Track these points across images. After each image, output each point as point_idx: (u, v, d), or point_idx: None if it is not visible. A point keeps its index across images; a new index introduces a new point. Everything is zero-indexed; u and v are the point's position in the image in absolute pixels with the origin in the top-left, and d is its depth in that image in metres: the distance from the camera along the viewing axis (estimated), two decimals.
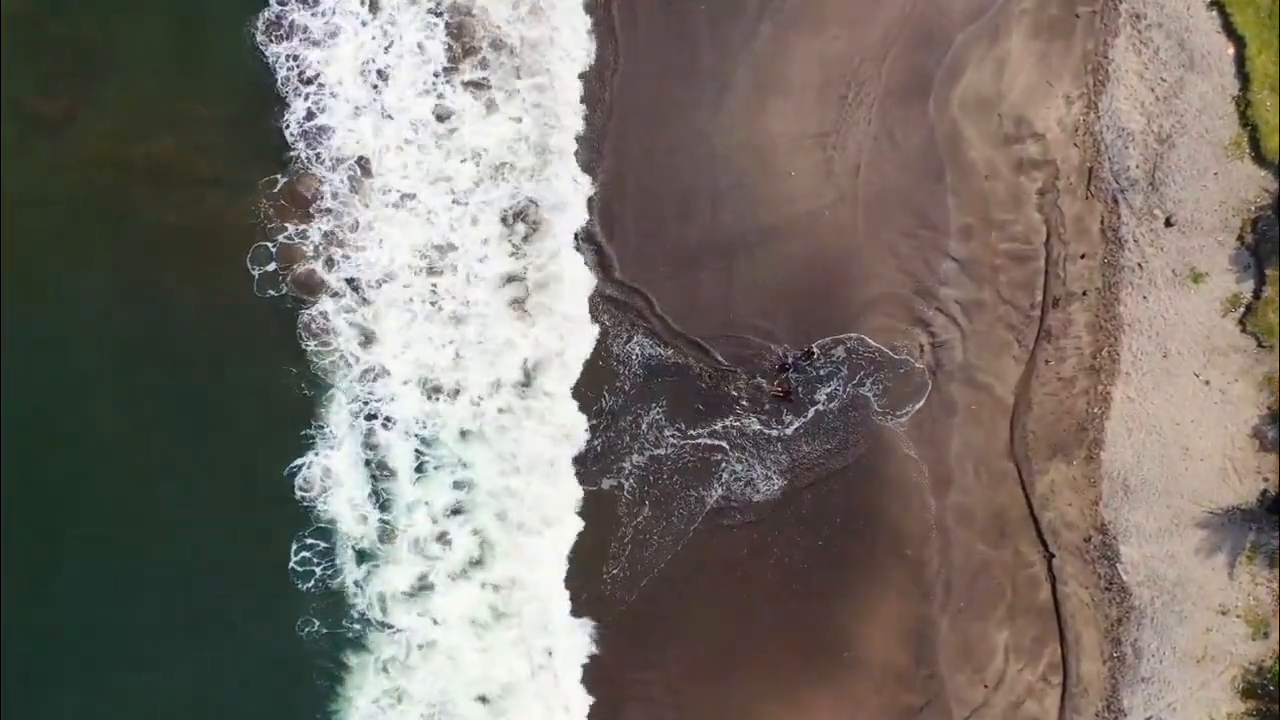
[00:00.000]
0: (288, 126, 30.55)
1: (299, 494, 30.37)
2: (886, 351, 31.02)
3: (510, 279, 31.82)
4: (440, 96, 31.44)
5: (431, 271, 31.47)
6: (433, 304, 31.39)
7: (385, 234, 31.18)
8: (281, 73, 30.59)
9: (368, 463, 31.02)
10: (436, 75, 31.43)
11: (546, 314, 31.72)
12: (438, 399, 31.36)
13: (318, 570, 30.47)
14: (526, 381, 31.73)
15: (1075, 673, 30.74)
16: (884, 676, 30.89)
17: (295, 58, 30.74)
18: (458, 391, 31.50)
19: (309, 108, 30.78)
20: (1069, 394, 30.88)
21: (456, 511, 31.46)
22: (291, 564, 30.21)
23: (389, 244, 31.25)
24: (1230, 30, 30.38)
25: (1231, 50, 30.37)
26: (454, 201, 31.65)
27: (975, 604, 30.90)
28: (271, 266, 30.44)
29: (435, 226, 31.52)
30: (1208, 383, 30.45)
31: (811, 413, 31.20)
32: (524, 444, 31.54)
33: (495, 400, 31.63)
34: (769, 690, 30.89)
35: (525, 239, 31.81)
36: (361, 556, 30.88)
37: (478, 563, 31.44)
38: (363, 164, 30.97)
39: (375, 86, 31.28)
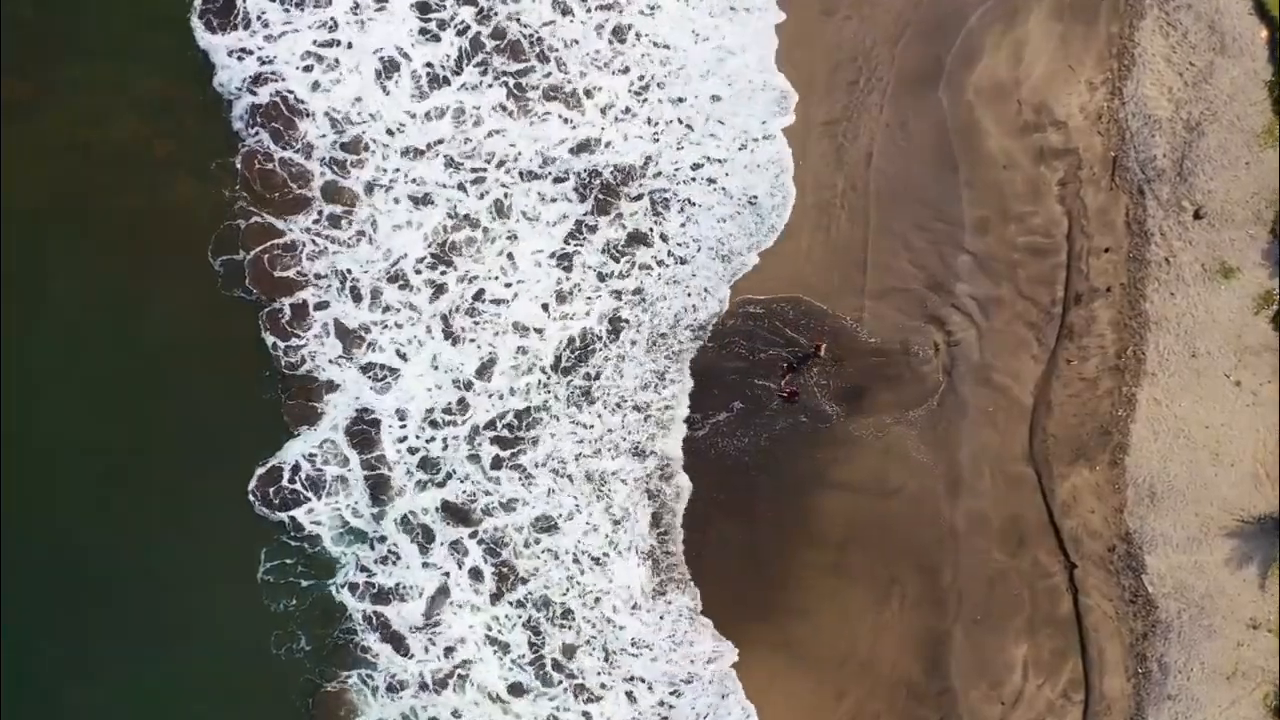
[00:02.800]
0: (238, 116, 29.32)
1: (265, 504, 29.10)
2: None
3: (559, 257, 30.22)
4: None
5: (444, 262, 29.97)
6: (439, 292, 29.87)
7: (383, 219, 29.82)
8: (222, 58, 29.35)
9: (364, 464, 29.73)
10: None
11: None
12: (457, 397, 29.93)
13: (303, 583, 29.19)
14: (558, 371, 30.20)
15: (1098, 689, 29.25)
16: (895, 691, 29.49)
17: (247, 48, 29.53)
18: (472, 385, 30.00)
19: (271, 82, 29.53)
20: (1092, 395, 29.42)
21: (465, 520, 29.98)
22: (261, 575, 28.92)
23: (389, 228, 29.78)
24: (1262, 12, 28.94)
25: (1264, 33, 28.93)
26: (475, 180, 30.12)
27: (992, 616, 29.47)
28: (242, 256, 29.15)
29: (451, 205, 30.01)
30: (1239, 384, 28.94)
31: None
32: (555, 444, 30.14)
33: (515, 401, 30.12)
34: (774, 704, 29.63)
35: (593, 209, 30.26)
36: (356, 570, 29.63)
37: (508, 581, 29.89)
38: (356, 148, 29.80)
39: (384, 75, 29.92)
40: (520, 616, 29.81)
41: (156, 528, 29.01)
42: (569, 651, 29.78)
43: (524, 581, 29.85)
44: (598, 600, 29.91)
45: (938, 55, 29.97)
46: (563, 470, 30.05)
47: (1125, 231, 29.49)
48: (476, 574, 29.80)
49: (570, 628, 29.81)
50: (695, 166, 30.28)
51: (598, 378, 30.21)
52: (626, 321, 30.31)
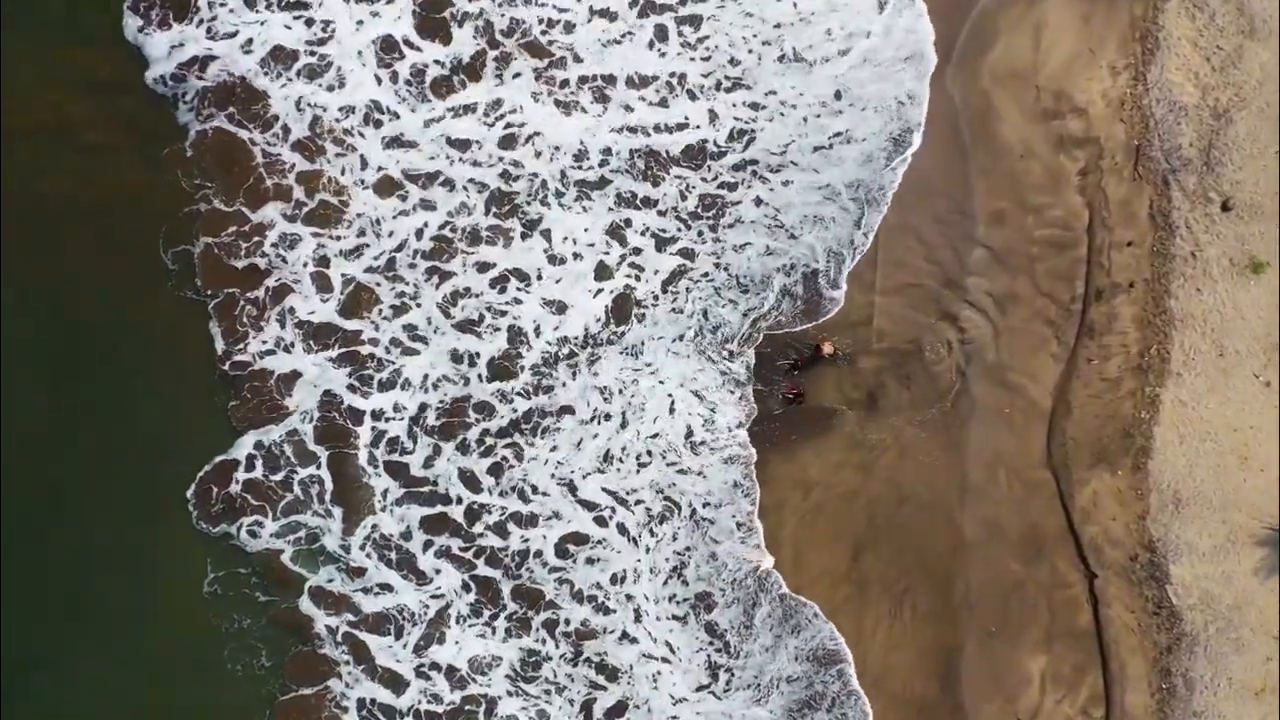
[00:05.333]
0: (187, 106, 27.61)
1: (203, 515, 27.68)
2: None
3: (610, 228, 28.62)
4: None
5: (456, 249, 28.40)
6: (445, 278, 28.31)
7: (377, 207, 28.28)
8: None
9: (336, 468, 28.25)
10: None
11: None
12: (460, 393, 28.32)
13: (260, 597, 27.68)
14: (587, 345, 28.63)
15: (1119, 705, 27.91)
16: (908, 707, 28.21)
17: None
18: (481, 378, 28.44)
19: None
20: (1113, 396, 28.06)
21: (463, 538, 28.39)
22: (207, 588, 27.51)
23: (387, 216, 28.24)
24: None
25: None
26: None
27: (1007, 628, 28.12)
28: (195, 246, 27.68)
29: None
30: (1269, 384, 27.60)
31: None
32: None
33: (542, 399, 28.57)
34: None
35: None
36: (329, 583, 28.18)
37: (534, 607, 28.33)
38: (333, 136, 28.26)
39: (380, 62, 28.38)
40: (545, 651, 28.41)
41: (100, 535, 27.64)
42: (620, 710, 28.32)
43: (552, 606, 28.37)
44: (658, 676, 28.44)
45: (951, 38, 28.68)
46: (583, 482, 28.62)
47: (1149, 224, 28.11)
48: (486, 601, 28.37)
49: (619, 683, 28.41)
50: (818, 148, 28.75)
51: (636, 356, 28.72)
52: (691, 283, 28.70)
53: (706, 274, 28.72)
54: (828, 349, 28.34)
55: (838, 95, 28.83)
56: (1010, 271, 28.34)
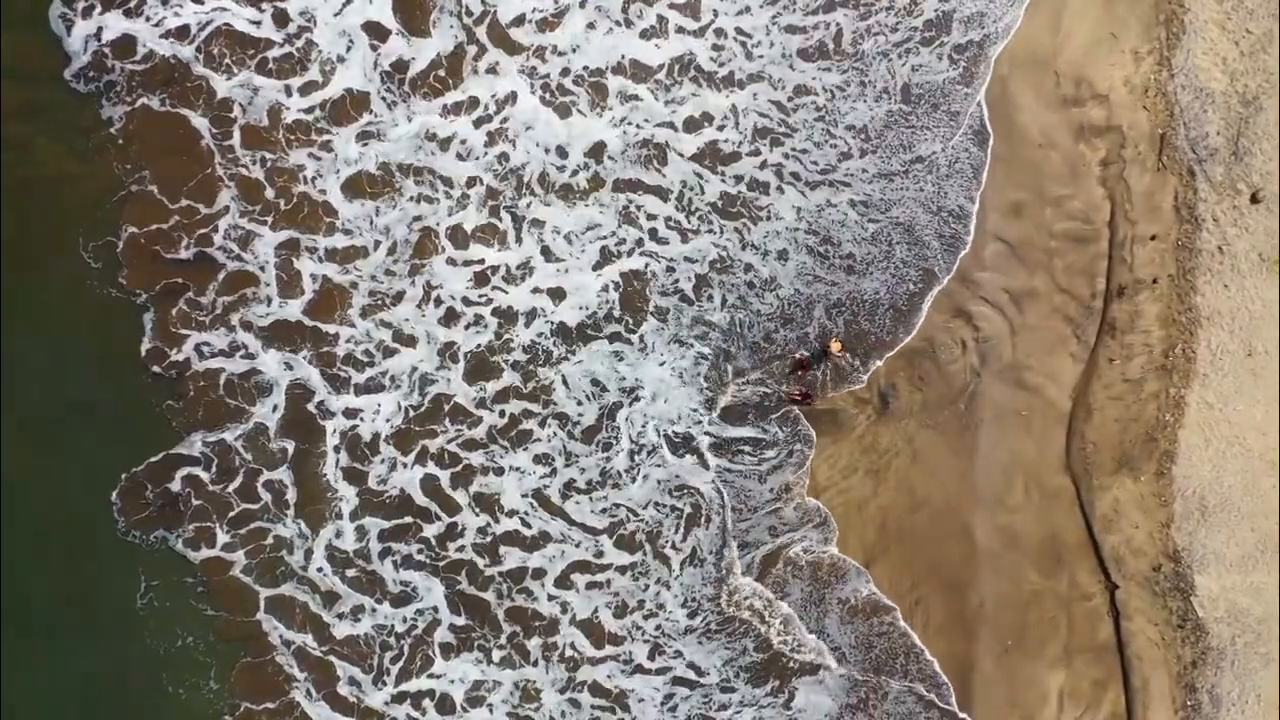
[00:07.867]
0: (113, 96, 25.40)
1: (130, 521, 25.88)
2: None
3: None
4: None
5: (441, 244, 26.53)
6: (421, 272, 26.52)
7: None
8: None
9: (298, 471, 26.49)
10: None
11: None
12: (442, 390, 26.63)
13: (208, 610, 26.06)
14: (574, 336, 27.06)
15: None
16: None
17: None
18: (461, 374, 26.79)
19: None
20: (1136, 398, 26.97)
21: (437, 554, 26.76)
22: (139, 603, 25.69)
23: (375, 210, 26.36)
24: None
25: None
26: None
27: (1024, 641, 27.04)
28: (122, 237, 25.51)
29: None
30: None
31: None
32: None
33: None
34: None
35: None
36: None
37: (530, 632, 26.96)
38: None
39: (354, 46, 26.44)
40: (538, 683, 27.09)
41: (20, 548, 25.74)
42: None
43: (554, 629, 27.11)
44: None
45: None
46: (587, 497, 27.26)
47: (1174, 217, 27.04)
48: (476, 626, 27.02)
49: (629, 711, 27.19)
50: (883, 176, 27.10)
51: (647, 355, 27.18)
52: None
53: (750, 282, 27.17)
54: (836, 348, 26.95)
55: (907, 96, 27.34)
56: (1028, 267, 27.14)
